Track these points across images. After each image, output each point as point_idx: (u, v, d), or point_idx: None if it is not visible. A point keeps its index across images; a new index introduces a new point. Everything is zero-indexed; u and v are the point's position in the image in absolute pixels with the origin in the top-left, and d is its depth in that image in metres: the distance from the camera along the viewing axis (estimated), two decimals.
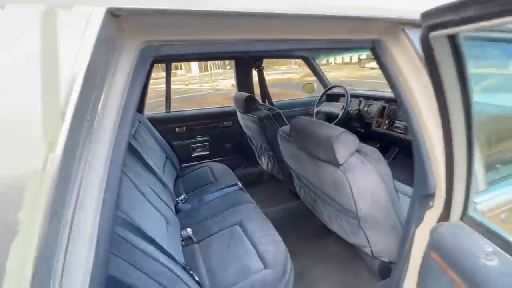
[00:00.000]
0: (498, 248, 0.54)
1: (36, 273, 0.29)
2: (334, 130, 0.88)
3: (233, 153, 2.34)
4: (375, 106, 1.98)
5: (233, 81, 2.39)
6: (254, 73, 2.28)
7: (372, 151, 0.91)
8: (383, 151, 1.88)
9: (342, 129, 0.88)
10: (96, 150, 0.41)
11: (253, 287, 0.91)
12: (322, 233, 1.52)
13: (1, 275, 0.28)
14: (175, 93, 13.50)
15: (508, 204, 0.68)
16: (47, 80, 0.33)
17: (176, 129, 2.12)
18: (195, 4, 0.44)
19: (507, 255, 0.53)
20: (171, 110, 2.17)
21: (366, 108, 2.04)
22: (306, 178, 1.21)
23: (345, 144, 0.86)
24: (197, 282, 0.89)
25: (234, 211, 1.33)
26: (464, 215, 0.62)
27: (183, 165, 2.15)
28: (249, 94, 1.76)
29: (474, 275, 0.53)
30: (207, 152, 2.24)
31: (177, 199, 1.53)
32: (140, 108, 1.94)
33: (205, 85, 16.61)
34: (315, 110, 2.31)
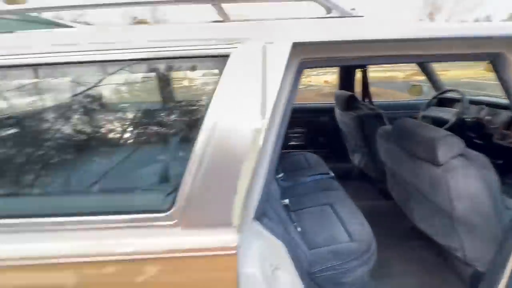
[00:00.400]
0: None
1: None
2: (439, 132, 0.96)
3: (326, 147, 2.51)
4: (502, 116, 1.74)
5: (325, 77, 2.53)
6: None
7: (479, 156, 0.94)
8: (509, 168, 1.66)
9: (448, 132, 0.95)
10: (270, 138, 0.72)
11: (338, 253, 1.11)
12: (410, 236, 1.54)
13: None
14: None
15: None
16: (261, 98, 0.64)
17: None
18: (339, 35, 0.68)
19: None
20: None
21: (488, 117, 1.82)
22: (402, 175, 1.29)
23: (449, 145, 0.94)
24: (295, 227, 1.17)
25: (326, 194, 1.54)
26: None
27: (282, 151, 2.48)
28: (351, 93, 1.89)
29: None
30: (303, 143, 2.50)
31: (277, 176, 1.85)
32: None
33: (312, 79, 16.88)
34: (421, 114, 2.19)
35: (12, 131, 0.77)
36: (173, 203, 0.63)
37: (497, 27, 0.70)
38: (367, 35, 0.68)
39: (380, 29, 0.69)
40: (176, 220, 0.63)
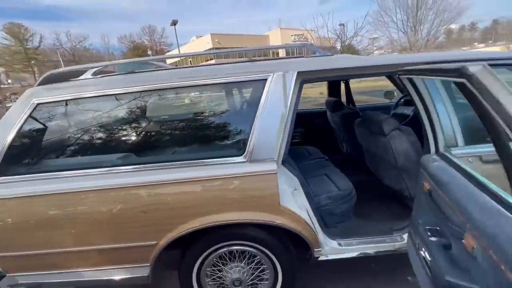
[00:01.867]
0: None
1: None
2: (382, 116, 1.65)
3: (322, 142, 3.20)
4: None
5: (320, 89, 3.25)
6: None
7: (408, 129, 1.62)
8: None
9: (388, 115, 1.64)
10: (288, 122, 1.40)
11: (331, 197, 1.76)
12: (382, 191, 2.17)
13: None
14: None
15: (473, 154, 1.29)
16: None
17: None
18: (320, 66, 1.38)
19: None
20: None
21: None
22: (370, 148, 1.97)
23: (389, 123, 1.62)
24: None
25: (323, 169, 2.20)
26: (437, 151, 1.30)
27: None
28: (337, 99, 2.61)
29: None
30: (301, 140, 3.19)
31: None
32: None
33: (309, 91, 17.81)
34: (392, 112, 2.91)
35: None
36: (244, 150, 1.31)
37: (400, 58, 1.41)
38: (331, 65, 1.38)
39: (338, 62, 1.39)
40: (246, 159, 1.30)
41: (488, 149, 1.35)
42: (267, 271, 1.50)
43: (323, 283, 1.80)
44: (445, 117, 1.35)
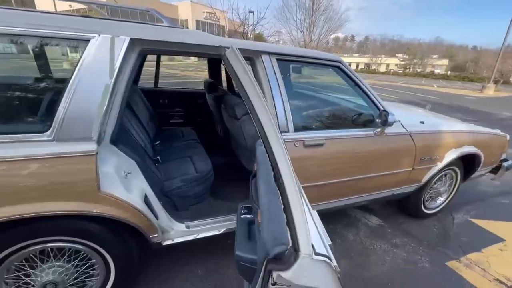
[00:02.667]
0: None
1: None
2: (236, 100, 1.69)
3: (202, 124, 3.14)
4: None
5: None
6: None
7: None
8: None
9: (240, 100, 1.69)
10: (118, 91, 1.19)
11: (186, 180, 1.71)
12: (240, 173, 2.32)
13: None
14: (171, 77, 14.10)
15: (300, 139, 1.50)
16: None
17: (160, 100, 2.90)
18: (164, 37, 1.23)
19: None
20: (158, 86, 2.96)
21: None
22: (231, 132, 2.03)
23: (241, 108, 1.68)
24: (155, 166, 1.69)
25: (189, 151, 2.13)
26: None
27: (163, 127, 2.93)
28: (211, 80, 2.56)
29: None
30: (182, 121, 3.03)
31: (154, 143, 2.32)
32: (135, 80, 2.70)
33: (201, 74, 17.21)
34: None
35: None
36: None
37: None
38: (172, 38, 1.26)
39: (180, 36, 1.28)
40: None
41: (310, 135, 1.59)
42: (97, 266, 1.32)
43: (177, 266, 1.77)
44: (280, 103, 1.48)
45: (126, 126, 1.55)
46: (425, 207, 2.43)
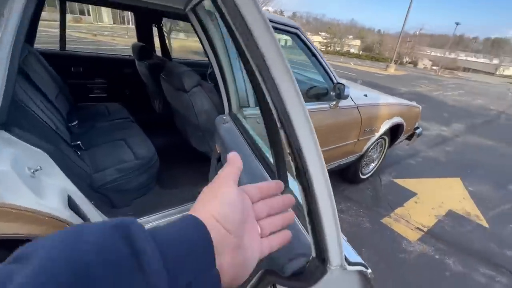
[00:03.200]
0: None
1: None
2: (183, 68, 1.39)
3: (132, 99, 2.61)
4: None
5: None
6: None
7: (209, 86, 1.47)
8: None
9: (188, 68, 1.39)
10: None
11: (122, 169, 1.37)
12: (193, 156, 2.06)
13: None
14: (79, 42, 11.52)
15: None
16: None
17: (72, 68, 2.24)
18: None
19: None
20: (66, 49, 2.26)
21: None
22: (175, 107, 1.71)
23: (190, 78, 1.39)
24: (77, 155, 1.29)
25: (122, 132, 1.72)
26: (230, 111, 1.24)
27: (79, 103, 2.31)
28: (143, 44, 2.08)
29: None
30: (105, 95, 2.45)
31: (70, 124, 1.79)
32: (30, 39, 1.97)
33: (119, 40, 14.70)
34: (209, 71, 2.80)
35: None
36: None
37: None
38: None
39: None
40: None
41: None
42: None
43: None
44: (240, 77, 1.26)
45: (24, 103, 1.09)
46: (361, 173, 2.70)
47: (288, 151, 0.41)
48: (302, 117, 0.37)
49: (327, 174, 0.40)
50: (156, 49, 2.70)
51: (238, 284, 0.30)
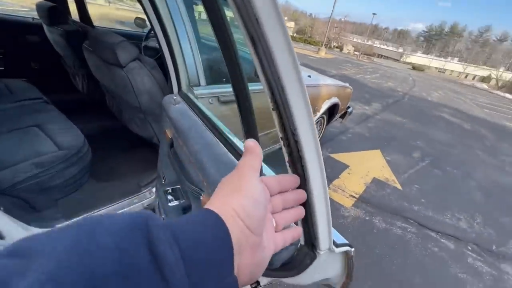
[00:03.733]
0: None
1: None
2: (117, 38, 1.16)
3: (45, 75, 2.10)
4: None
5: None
6: None
7: (150, 61, 1.27)
8: None
9: (123, 38, 1.17)
10: None
11: (42, 163, 1.10)
12: (129, 143, 1.81)
13: None
14: None
15: (214, 95, 1.26)
16: None
17: None
18: None
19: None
20: None
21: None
22: (106, 86, 1.45)
23: (126, 50, 1.17)
24: None
25: (34, 117, 1.37)
26: (180, 90, 1.11)
27: None
28: (53, 4, 1.65)
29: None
30: (2, 68, 1.90)
31: None
32: None
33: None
34: (143, 44, 2.45)
35: None
36: None
37: None
38: None
39: None
40: None
41: (223, 89, 1.36)
42: None
43: None
44: (189, 52, 1.12)
45: None
46: None
47: (280, 136, 0.37)
48: (301, 98, 0.33)
49: (323, 161, 0.38)
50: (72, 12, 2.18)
51: (250, 283, 0.27)
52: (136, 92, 1.25)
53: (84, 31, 1.66)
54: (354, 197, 2.53)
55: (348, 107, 3.41)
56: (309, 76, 2.25)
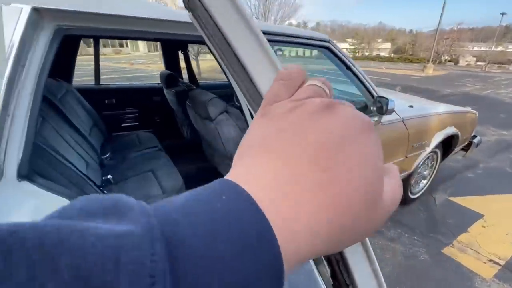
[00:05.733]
0: None
1: None
2: (208, 96, 1.31)
3: (162, 126, 2.65)
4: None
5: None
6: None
7: (236, 112, 1.37)
8: None
9: (214, 96, 1.32)
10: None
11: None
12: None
13: None
14: (119, 72, 12.66)
15: None
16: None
17: (106, 100, 2.34)
18: (88, 7, 0.80)
19: None
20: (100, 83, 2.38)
21: None
22: (203, 134, 1.64)
23: (215, 105, 1.31)
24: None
25: (150, 163, 1.70)
26: None
27: (113, 134, 2.39)
28: (170, 72, 2.10)
29: None
30: (136, 123, 2.51)
31: (102, 157, 1.81)
32: (68, 78, 2.10)
33: (153, 66, 15.86)
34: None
35: None
36: None
37: None
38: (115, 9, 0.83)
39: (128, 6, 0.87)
40: None
41: None
42: None
43: None
44: None
45: (52, 148, 1.08)
46: (411, 192, 2.37)
47: None
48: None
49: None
50: (185, 75, 2.74)
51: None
52: (223, 141, 1.35)
53: (187, 91, 2.01)
54: (496, 263, 1.81)
55: (474, 136, 2.65)
56: (411, 107, 1.90)
